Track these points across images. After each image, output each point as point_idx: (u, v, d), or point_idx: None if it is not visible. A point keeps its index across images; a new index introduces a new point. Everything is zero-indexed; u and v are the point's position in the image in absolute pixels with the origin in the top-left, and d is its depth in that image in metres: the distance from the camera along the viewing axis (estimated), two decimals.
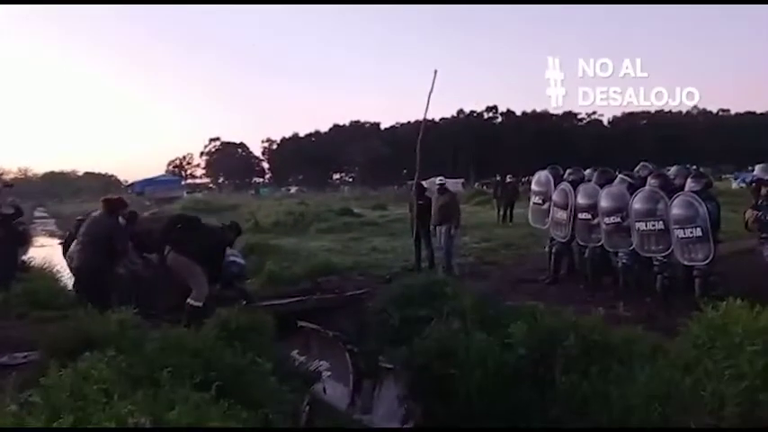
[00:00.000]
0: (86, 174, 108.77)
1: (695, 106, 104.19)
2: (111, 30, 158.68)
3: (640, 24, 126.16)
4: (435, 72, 9.98)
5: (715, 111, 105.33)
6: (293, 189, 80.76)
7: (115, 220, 7.13)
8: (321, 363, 6.14)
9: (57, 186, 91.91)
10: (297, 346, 6.77)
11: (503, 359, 5.40)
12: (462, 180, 62.59)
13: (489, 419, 5.21)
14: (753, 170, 9.10)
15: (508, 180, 20.19)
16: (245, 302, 6.78)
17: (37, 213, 44.05)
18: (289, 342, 6.64)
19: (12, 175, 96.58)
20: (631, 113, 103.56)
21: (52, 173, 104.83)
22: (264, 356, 4.98)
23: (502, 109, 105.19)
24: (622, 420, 4.47)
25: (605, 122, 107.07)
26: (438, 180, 10.81)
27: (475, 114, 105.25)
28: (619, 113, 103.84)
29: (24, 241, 9.65)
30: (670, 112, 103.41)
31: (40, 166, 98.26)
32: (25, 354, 6.02)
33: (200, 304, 6.70)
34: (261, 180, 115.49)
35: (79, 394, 3.40)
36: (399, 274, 9.80)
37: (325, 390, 5.95)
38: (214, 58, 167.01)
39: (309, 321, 7.06)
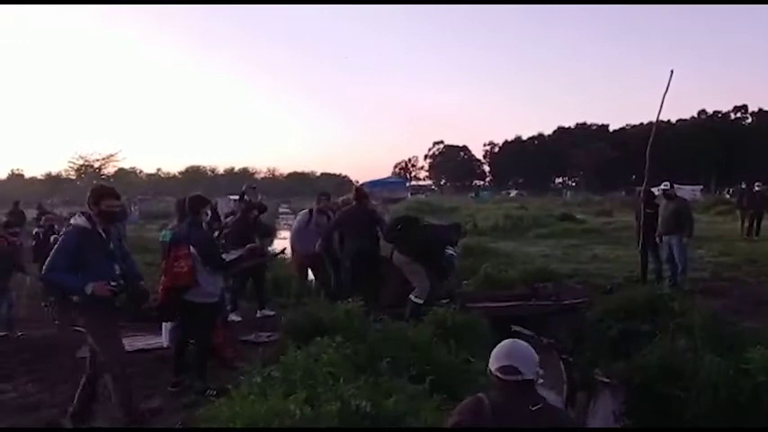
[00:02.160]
0: (323, 174, 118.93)
1: None
2: (339, 42, 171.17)
3: None
4: (671, 72, 9.25)
5: None
6: (513, 192, 79.99)
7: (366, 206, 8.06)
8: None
9: (298, 185, 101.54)
10: None
11: (737, 385, 4.92)
12: (701, 187, 57.15)
13: None
14: None
15: (756, 188, 17.97)
16: (447, 301, 6.91)
17: (281, 209, 48.98)
18: None
19: (261, 175, 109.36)
20: None
21: (295, 173, 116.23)
22: (478, 357, 5.10)
23: (753, 108, 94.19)
24: None
25: None
26: (663, 185, 9.91)
27: (719, 115, 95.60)
28: None
29: (269, 233, 10.87)
30: None
31: (285, 167, 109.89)
32: (269, 333, 6.85)
33: (420, 301, 7.01)
34: (481, 183, 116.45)
35: (311, 374, 3.81)
36: (622, 285, 9.30)
37: None
38: (439, 61, 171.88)
39: (524, 326, 7.02)
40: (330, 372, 3.83)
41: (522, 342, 2.65)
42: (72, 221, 4.25)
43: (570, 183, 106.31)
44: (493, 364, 2.51)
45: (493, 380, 2.52)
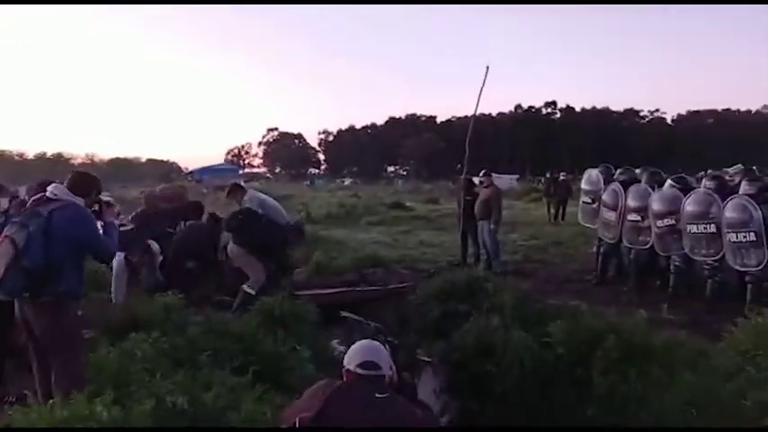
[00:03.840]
0: (149, 160, 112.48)
1: (765, 105, 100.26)
2: (173, 21, 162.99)
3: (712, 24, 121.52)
4: (487, 68, 9.90)
5: None
6: (347, 181, 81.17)
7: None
8: None
9: (122, 172, 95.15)
10: (339, 335, 6.85)
11: (541, 358, 5.38)
12: (517, 176, 61.80)
13: (524, 417, 5.20)
14: None
15: (562, 178, 19.79)
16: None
17: (103, 197, 45.68)
18: (331, 331, 6.74)
19: (79, 161, 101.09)
20: (697, 112, 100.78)
21: (117, 159, 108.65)
22: (305, 344, 5.11)
23: (561, 105, 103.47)
24: (658, 424, 4.40)
25: (669, 120, 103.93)
26: (480, 174, 10.75)
27: (533, 110, 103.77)
28: (684, 111, 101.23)
29: None
30: (738, 110, 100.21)
31: (105, 152, 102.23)
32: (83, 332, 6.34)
33: (253, 292, 6.86)
34: (316, 171, 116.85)
35: (124, 372, 3.58)
36: (445, 269, 9.79)
37: None
38: (273, 49, 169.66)
39: (352, 312, 7.12)
40: (146, 368, 3.64)
41: (376, 342, 2.82)
42: (77, 201, 3.84)
43: (402, 172, 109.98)
44: (351, 362, 2.58)
45: (350, 377, 2.56)
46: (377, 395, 2.44)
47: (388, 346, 6.29)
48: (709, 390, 4.27)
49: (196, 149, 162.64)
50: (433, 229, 16.56)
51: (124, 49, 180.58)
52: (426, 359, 6.02)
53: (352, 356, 2.60)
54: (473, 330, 5.76)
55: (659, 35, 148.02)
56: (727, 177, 8.04)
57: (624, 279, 8.78)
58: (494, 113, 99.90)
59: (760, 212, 6.76)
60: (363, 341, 2.79)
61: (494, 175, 10.88)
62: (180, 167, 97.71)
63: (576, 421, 4.98)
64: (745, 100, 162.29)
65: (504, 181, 44.86)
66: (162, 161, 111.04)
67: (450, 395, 5.60)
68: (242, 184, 8.49)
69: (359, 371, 2.52)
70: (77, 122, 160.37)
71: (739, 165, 8.43)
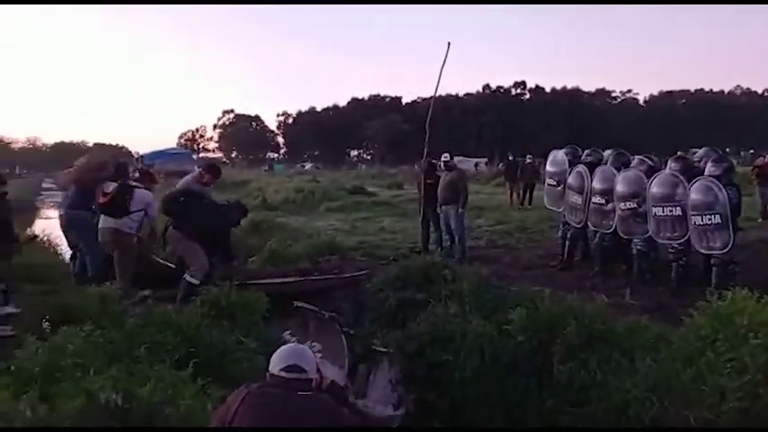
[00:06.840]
0: (96, 144, 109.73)
1: (738, 86, 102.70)
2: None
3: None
4: (449, 44, 9.91)
5: (760, 91, 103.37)
6: (308, 165, 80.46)
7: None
8: (314, 344, 6.20)
9: (66, 157, 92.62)
10: (293, 326, 6.85)
11: (500, 346, 5.45)
12: (486, 159, 62.06)
13: (483, 408, 5.28)
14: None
15: (528, 161, 19.94)
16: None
17: (45, 185, 44.58)
18: (285, 322, 6.73)
19: (19, 145, 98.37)
20: (669, 92, 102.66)
21: (62, 143, 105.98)
22: (252, 336, 5.10)
23: (530, 84, 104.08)
24: (619, 412, 4.50)
25: (641, 101, 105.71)
26: (443, 157, 10.79)
27: (501, 90, 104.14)
28: (656, 92, 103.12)
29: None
30: (711, 91, 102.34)
31: (49, 136, 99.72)
32: (12, 327, 6.20)
33: (196, 282, 6.78)
34: (276, 155, 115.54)
35: (55, 367, 3.53)
36: (406, 256, 9.81)
37: None
38: (229, 26, 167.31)
39: (307, 301, 7.12)
40: (77, 363, 3.59)
41: (302, 345, 2.92)
42: None
43: (365, 155, 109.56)
44: (275, 366, 2.60)
45: (274, 381, 2.59)
46: (299, 393, 2.49)
47: (344, 337, 6.39)
48: (669, 375, 4.38)
49: (147, 133, 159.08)
50: (396, 215, 16.58)
51: (71, 31, 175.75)
52: (382, 350, 6.06)
53: (277, 360, 2.64)
54: (430, 319, 5.81)
55: (632, 12, 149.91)
56: (694, 159, 8.19)
57: (590, 264, 8.93)
58: (461, 94, 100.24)
59: (725, 194, 6.93)
60: (289, 345, 2.85)
61: (460, 158, 10.97)
62: (130, 152, 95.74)
63: (535, 411, 5.09)
64: (718, 80, 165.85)
65: (471, 165, 45.08)
66: (110, 145, 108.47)
67: (406, 386, 5.65)
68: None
69: (282, 374, 2.55)
70: (19, 105, 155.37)
71: (705, 147, 8.57)
